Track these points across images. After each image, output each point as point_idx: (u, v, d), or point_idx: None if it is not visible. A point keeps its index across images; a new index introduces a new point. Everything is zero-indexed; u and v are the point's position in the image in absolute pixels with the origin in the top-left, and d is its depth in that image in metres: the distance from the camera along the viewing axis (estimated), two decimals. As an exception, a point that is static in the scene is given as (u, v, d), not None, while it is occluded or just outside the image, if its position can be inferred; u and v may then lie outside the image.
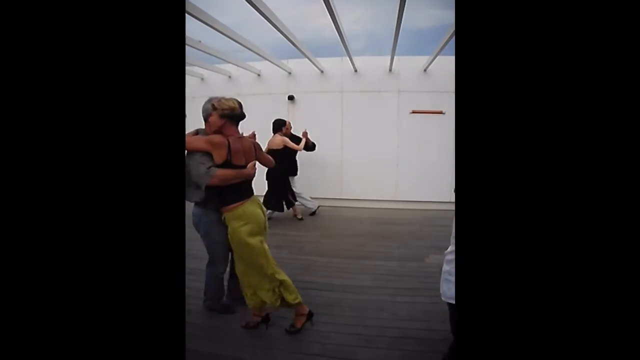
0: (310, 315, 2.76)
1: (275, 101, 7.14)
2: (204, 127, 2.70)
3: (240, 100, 2.64)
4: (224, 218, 2.59)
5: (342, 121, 6.83)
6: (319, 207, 6.41)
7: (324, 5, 3.33)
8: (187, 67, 7.16)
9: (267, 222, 2.73)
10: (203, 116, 2.66)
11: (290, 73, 7.05)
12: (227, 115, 2.55)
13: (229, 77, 7.40)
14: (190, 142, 2.47)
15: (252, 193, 2.69)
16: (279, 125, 5.85)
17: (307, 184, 6.89)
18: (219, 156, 2.47)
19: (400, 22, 3.84)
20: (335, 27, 4.08)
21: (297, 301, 2.67)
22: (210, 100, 2.63)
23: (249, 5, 3.30)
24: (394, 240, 4.87)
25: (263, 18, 3.64)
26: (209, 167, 2.44)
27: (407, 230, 5.44)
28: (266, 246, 2.64)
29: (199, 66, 6.84)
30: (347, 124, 6.86)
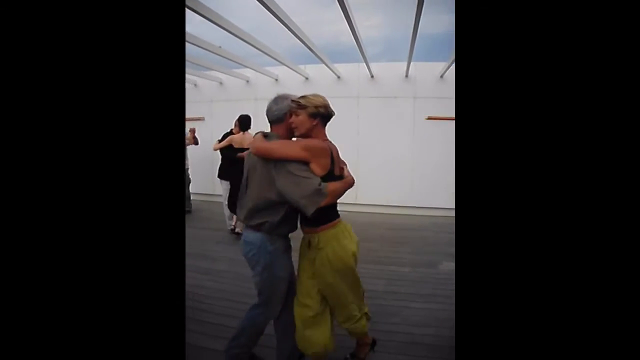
0: (373, 344, 2.46)
1: (291, 106, 7.18)
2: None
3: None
4: (309, 242, 2.07)
5: (358, 127, 6.86)
6: None
7: (340, 11, 3.37)
8: (206, 72, 7.28)
9: None
10: (274, 117, 2.07)
11: (307, 78, 7.11)
12: (321, 114, 1.99)
13: (247, 81, 7.49)
14: (280, 148, 1.90)
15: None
16: (248, 122, 5.23)
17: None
18: (322, 167, 1.91)
19: (417, 28, 3.86)
20: (352, 33, 4.12)
21: (366, 329, 2.30)
22: (284, 97, 2.07)
23: (268, 11, 3.36)
24: (408, 246, 4.86)
25: (281, 24, 3.70)
26: (318, 182, 1.86)
27: (421, 236, 5.43)
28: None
29: (217, 70, 6.94)
30: (363, 130, 6.88)
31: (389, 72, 6.75)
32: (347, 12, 3.41)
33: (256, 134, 2.13)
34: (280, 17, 3.53)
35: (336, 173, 1.99)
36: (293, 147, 1.92)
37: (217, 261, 4.30)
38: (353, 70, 6.88)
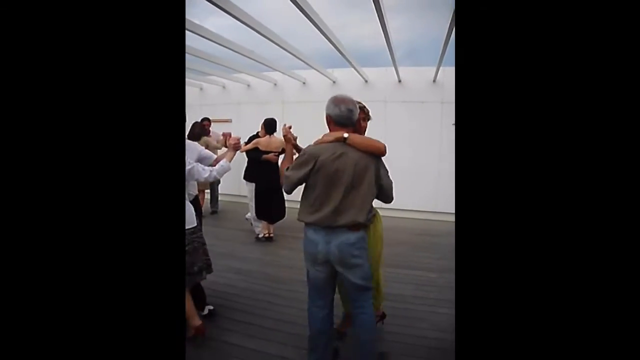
0: (383, 316, 2.83)
1: (319, 109, 7.22)
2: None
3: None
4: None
5: (385, 131, 6.84)
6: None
7: (362, 14, 3.40)
8: (235, 75, 7.39)
9: None
10: (348, 121, 2.15)
11: (334, 82, 7.14)
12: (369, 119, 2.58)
13: (275, 84, 7.57)
14: (381, 146, 2.14)
15: None
16: (274, 125, 5.24)
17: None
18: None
19: (451, 34, 3.85)
20: (385, 37, 4.13)
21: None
22: (355, 102, 2.22)
23: (296, 15, 3.41)
24: (434, 252, 4.83)
25: (308, 27, 3.73)
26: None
27: (447, 242, 5.36)
28: None
29: (246, 73, 7.03)
30: (390, 134, 6.86)
31: (417, 77, 6.72)
32: (382, 16, 3.43)
33: (345, 135, 2.10)
34: (313, 18, 3.56)
35: None
36: (383, 147, 2.13)
37: (247, 262, 4.36)
38: (380, 74, 6.88)
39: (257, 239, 5.31)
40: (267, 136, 5.14)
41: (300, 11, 3.33)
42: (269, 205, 5.13)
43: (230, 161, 2.71)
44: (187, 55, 5.33)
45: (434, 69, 6.14)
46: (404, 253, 4.73)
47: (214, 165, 2.71)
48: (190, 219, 2.58)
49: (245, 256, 4.57)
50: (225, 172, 2.68)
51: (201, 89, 8.30)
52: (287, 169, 2.11)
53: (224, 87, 8.05)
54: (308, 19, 3.50)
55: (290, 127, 2.39)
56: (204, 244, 2.73)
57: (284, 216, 5.31)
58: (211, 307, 2.96)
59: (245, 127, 6.47)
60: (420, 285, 3.66)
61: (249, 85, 7.83)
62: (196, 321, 2.52)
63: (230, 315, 2.99)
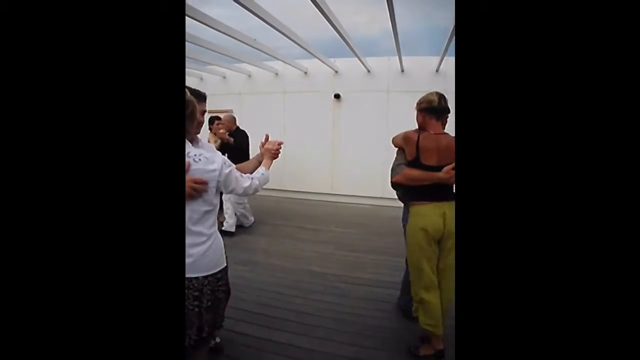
0: (440, 356, 2.34)
1: (320, 99, 7.21)
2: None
3: (442, 93, 2.39)
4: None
5: (388, 121, 6.82)
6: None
7: (355, 3, 3.34)
8: (236, 64, 7.33)
9: (446, 235, 2.28)
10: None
11: (337, 72, 7.10)
12: (426, 109, 2.36)
13: (276, 74, 7.52)
14: (394, 138, 2.51)
15: (441, 198, 2.25)
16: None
17: (349, 183, 6.96)
18: (409, 154, 2.32)
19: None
20: (392, 27, 4.09)
21: (431, 329, 2.29)
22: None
23: (297, 3, 3.34)
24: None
25: (312, 15, 3.68)
26: (399, 164, 2.37)
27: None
28: (426, 259, 2.29)
29: (248, 62, 6.97)
30: (393, 124, 6.84)
31: (420, 66, 6.69)
32: (392, 6, 3.39)
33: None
34: (320, 5, 3.50)
35: (423, 162, 2.26)
36: (399, 137, 2.45)
37: (253, 253, 4.36)
38: (383, 64, 6.84)
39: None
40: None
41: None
42: None
43: (268, 169, 2.00)
44: (187, 43, 5.26)
45: (437, 58, 6.11)
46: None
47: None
48: (220, 259, 1.73)
49: (251, 247, 4.57)
50: (265, 184, 1.97)
51: (201, 79, 8.22)
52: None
53: (224, 77, 7.98)
54: (315, 5, 3.45)
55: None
56: (229, 293, 1.98)
57: None
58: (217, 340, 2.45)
59: (246, 118, 6.43)
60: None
61: (249, 75, 7.77)
62: None
63: (240, 306, 2.98)
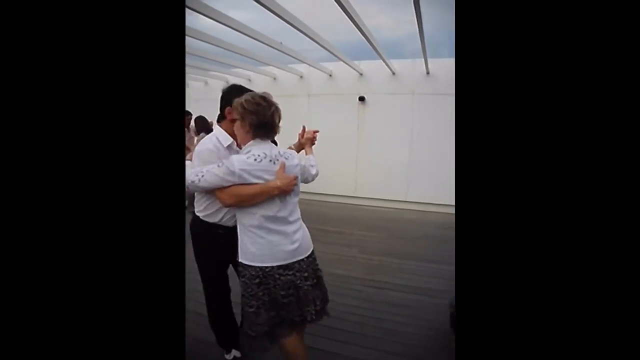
0: None
1: (345, 102, 7.20)
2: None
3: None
4: None
5: (413, 123, 6.76)
6: None
7: (378, 4, 3.31)
8: (261, 67, 7.40)
9: None
10: None
11: (361, 74, 7.08)
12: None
13: (301, 77, 7.55)
14: None
15: None
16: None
17: (373, 185, 6.92)
18: None
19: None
20: (419, 29, 4.05)
21: None
22: None
23: (321, 6, 3.34)
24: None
25: (336, 18, 3.67)
26: None
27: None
28: None
29: (273, 65, 7.02)
30: (418, 126, 6.78)
31: (446, 69, 6.60)
32: (419, 8, 3.36)
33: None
34: (347, 7, 3.50)
35: None
36: None
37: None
38: (407, 66, 6.78)
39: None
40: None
41: (335, 1, 3.28)
42: None
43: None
44: (212, 47, 5.33)
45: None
46: (432, 246, 4.70)
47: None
48: (310, 241, 1.97)
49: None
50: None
51: (227, 82, 8.33)
52: None
53: (249, 79, 8.07)
54: (340, 7, 3.44)
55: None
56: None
57: None
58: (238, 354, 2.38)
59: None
60: (451, 280, 3.59)
61: (274, 78, 7.83)
62: None
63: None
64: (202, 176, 1.72)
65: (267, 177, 1.69)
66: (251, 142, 1.76)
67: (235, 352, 2.36)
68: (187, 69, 7.43)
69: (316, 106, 7.48)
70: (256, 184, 1.67)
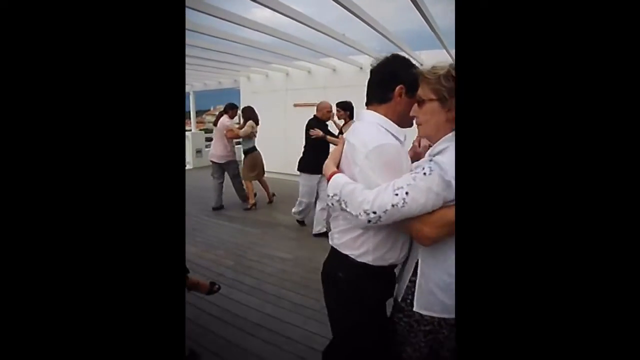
0: None
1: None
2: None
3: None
4: None
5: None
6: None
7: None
8: (322, 59, 7.47)
9: None
10: None
11: (421, 64, 6.91)
12: None
13: (360, 68, 7.56)
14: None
15: None
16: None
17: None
18: None
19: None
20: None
21: None
22: None
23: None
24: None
25: (412, 4, 3.63)
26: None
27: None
28: None
29: (333, 57, 7.08)
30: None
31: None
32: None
33: None
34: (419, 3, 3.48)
35: None
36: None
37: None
38: (434, 58, 6.53)
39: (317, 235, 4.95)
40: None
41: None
42: None
43: None
44: (272, 38, 5.44)
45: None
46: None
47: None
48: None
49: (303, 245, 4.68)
50: None
51: (287, 74, 8.51)
52: None
53: (309, 71, 8.19)
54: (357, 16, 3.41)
55: None
56: None
57: None
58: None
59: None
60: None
61: (334, 70, 7.88)
62: None
63: (290, 298, 3.18)
64: (407, 194, 1.11)
65: None
66: (450, 134, 1.23)
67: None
68: (248, 62, 7.67)
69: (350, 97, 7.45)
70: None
